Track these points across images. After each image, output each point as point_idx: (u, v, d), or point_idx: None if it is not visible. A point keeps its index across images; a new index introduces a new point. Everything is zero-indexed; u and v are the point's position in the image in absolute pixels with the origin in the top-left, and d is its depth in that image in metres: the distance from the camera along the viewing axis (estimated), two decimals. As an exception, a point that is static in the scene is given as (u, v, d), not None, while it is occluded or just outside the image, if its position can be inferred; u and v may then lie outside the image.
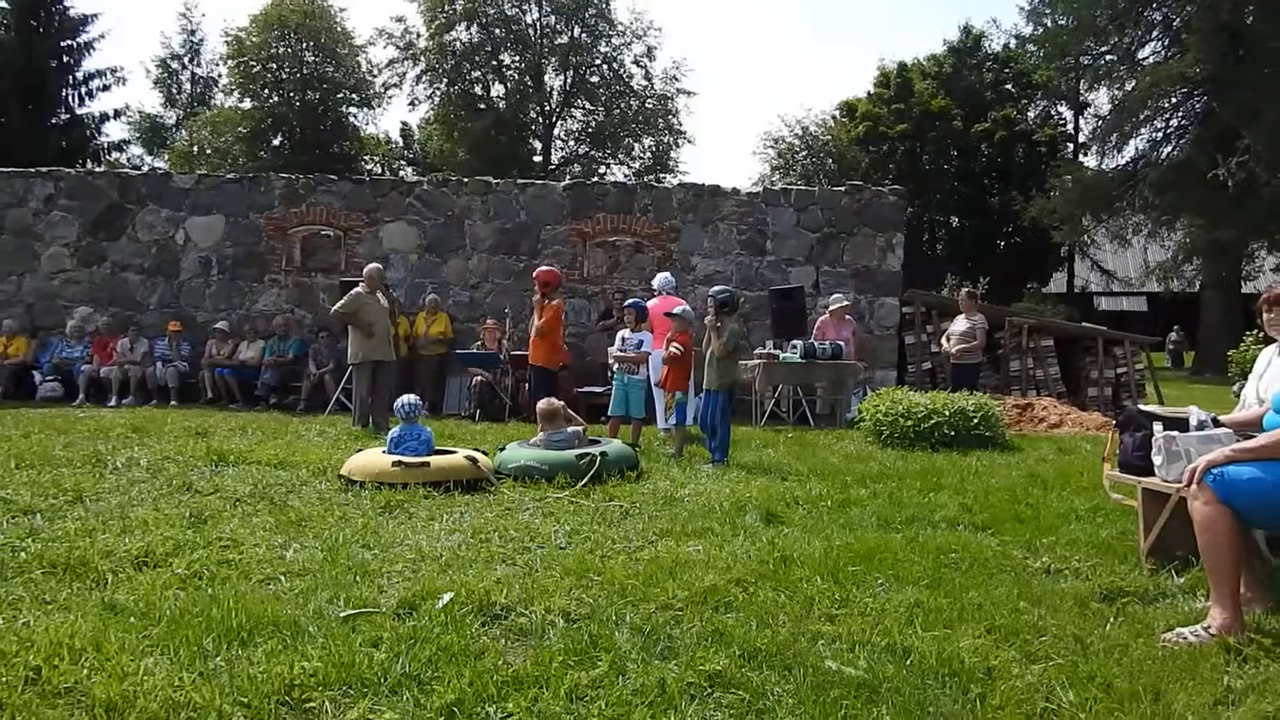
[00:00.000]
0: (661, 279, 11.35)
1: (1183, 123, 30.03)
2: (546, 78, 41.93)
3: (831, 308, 12.60)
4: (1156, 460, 4.40)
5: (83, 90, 33.90)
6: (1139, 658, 3.45)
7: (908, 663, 3.39)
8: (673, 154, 43.73)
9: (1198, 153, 26.97)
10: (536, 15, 40.95)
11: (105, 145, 34.87)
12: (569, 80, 41.98)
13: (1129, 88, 30.19)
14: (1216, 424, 4.46)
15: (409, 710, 2.98)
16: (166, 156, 43.07)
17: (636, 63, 41.86)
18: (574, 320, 13.87)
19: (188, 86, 46.07)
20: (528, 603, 4.00)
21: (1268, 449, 3.72)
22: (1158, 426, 4.56)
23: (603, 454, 7.26)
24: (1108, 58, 31.43)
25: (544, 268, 10.80)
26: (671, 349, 8.82)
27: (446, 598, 3.99)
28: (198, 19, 54.40)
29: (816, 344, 11.90)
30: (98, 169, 22.08)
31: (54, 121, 32.73)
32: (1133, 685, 3.17)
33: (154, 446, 8.57)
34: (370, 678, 3.18)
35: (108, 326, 14.12)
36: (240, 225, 14.47)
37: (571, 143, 44.22)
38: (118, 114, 36.08)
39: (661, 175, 41.47)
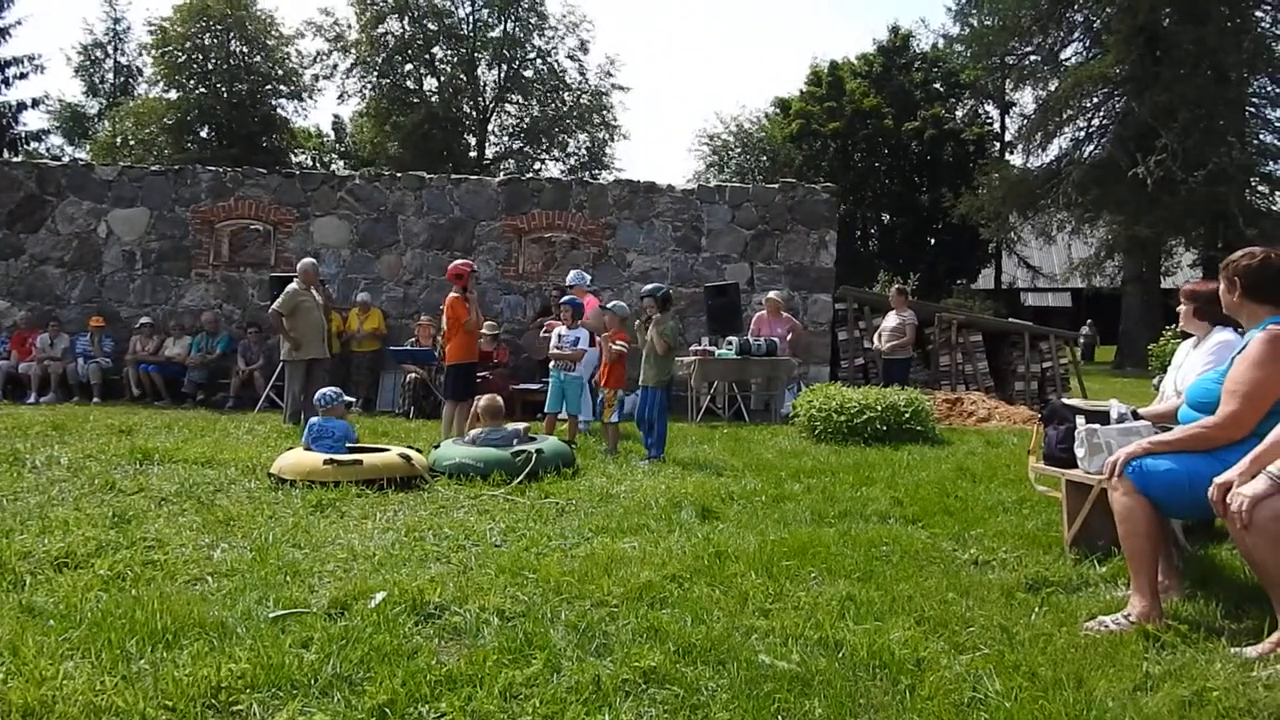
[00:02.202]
0: (575, 275, 11.22)
1: (1104, 122, 30.84)
2: (480, 72, 41.56)
3: (770, 294, 12.73)
4: (1079, 453, 4.50)
5: (-2, 78, 32.93)
6: (1062, 646, 3.54)
7: (840, 655, 3.44)
8: (608, 150, 43.69)
9: (1118, 151, 27.73)
10: (469, 8, 40.59)
11: (23, 135, 33.90)
12: (502, 74, 41.67)
13: (1053, 87, 30.95)
14: (1136, 417, 4.58)
15: (340, 711, 2.94)
16: (88, 147, 41.83)
17: (571, 57, 41.76)
18: (510, 317, 13.82)
19: (111, 76, 44.71)
20: (462, 601, 3.97)
21: (1183, 442, 3.84)
22: (1080, 420, 4.67)
23: (539, 451, 7.24)
24: (1032, 58, 32.16)
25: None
26: (616, 347, 8.82)
27: (379, 597, 3.95)
28: (123, 6, 52.75)
29: (751, 340, 12.00)
30: (15, 159, 21.40)
31: (-33, 110, 31.78)
32: (1056, 673, 3.25)
33: (75, 445, 8.34)
34: (300, 679, 3.13)
35: (26, 321, 13.70)
36: (165, 218, 14.12)
37: (506, 138, 43.90)
38: (36, 103, 35.11)
39: (597, 171, 41.39)
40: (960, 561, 4.83)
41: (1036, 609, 4.00)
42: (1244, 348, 3.83)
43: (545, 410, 9.56)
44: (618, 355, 8.79)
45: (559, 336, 9.56)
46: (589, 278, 11.28)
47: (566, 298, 10.13)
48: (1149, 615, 3.70)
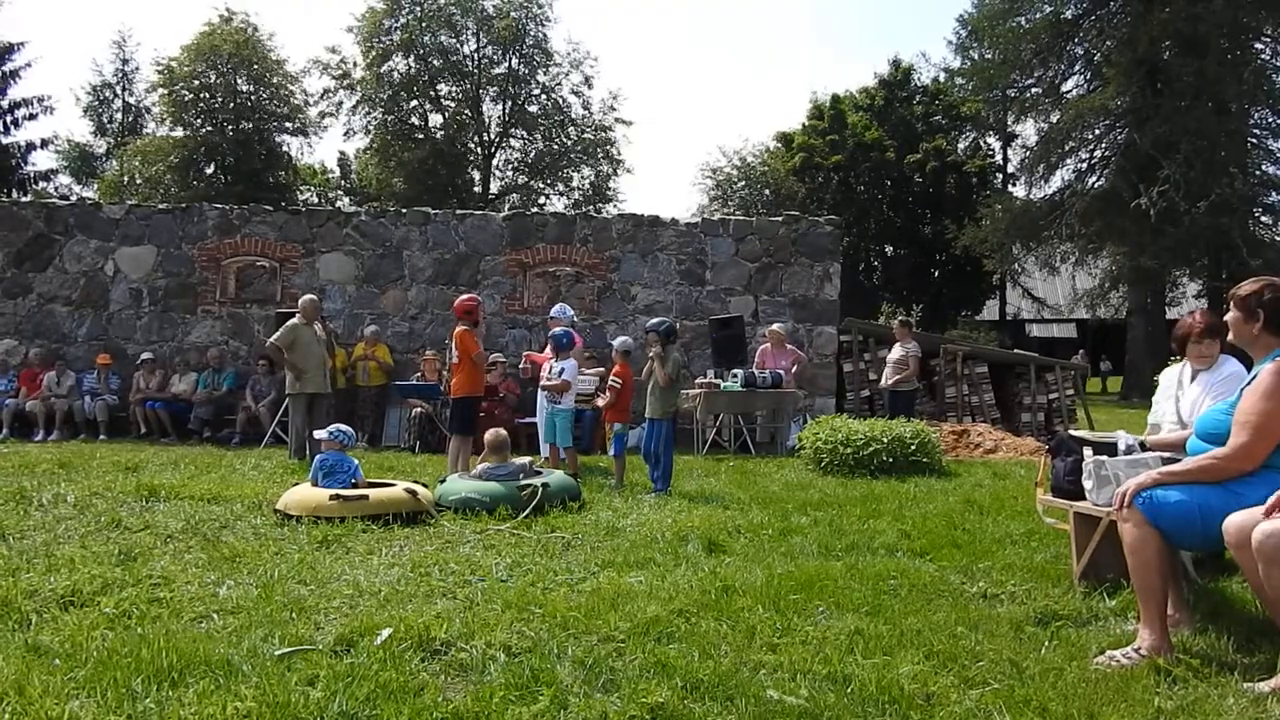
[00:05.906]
0: (558, 308, 11.03)
1: (1106, 154, 30.99)
2: (485, 108, 41.92)
3: (772, 327, 12.75)
4: (1087, 484, 4.48)
5: (8, 119, 33.27)
6: (1073, 681, 3.51)
7: (848, 690, 3.41)
8: (612, 184, 43.93)
9: (1121, 183, 27.85)
10: (474, 46, 40.98)
11: (32, 175, 34.17)
12: (507, 110, 42.00)
13: (1054, 120, 31.14)
14: (1143, 448, 4.57)
15: (347, 751, 2.92)
16: (96, 186, 42.18)
17: (575, 92, 42.11)
18: (515, 351, 13.82)
19: (119, 116, 45.13)
20: (468, 637, 3.95)
21: (1193, 473, 3.81)
22: (1088, 451, 4.65)
23: (544, 485, 7.23)
24: (1033, 90, 32.40)
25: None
26: (610, 382, 8.86)
27: (385, 633, 3.92)
28: (132, 48, 53.20)
29: (756, 372, 12.01)
30: (23, 199, 21.57)
31: (-23, 151, 32.10)
32: (1067, 708, 3.22)
33: (82, 482, 8.34)
34: (306, 717, 3.11)
35: (36, 358, 13.75)
36: (172, 256, 14.20)
37: (510, 173, 44.20)
38: (45, 143, 35.46)
39: (601, 205, 41.59)
40: (969, 595, 4.80)
41: (1046, 643, 3.97)
42: (1252, 379, 3.82)
43: (542, 440, 9.59)
44: (612, 392, 8.85)
45: (549, 368, 9.54)
46: (571, 311, 11.17)
47: (552, 331, 9.94)
48: (1159, 648, 3.67)
